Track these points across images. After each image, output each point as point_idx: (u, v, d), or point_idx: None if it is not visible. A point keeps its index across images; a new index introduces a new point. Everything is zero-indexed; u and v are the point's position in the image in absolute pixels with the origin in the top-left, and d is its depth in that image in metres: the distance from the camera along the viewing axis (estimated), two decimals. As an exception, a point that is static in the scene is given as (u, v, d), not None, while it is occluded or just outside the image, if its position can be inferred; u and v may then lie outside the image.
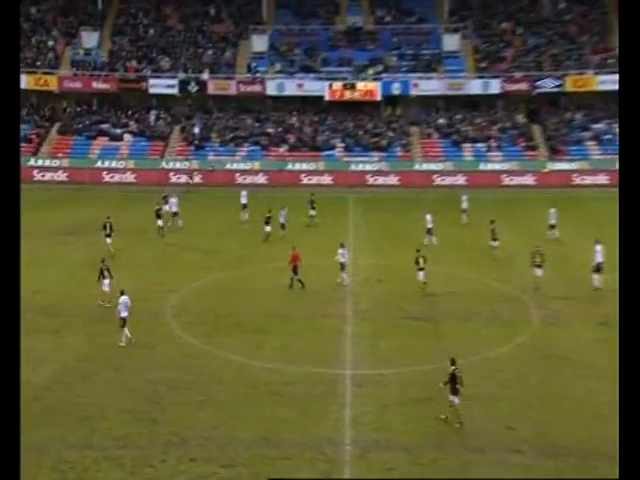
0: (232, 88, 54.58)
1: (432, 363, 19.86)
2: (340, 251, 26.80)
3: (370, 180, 50.21)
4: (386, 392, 18.20)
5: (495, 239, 30.58)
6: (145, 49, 57.71)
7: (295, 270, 26.11)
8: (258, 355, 20.37)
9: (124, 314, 20.91)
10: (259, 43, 57.46)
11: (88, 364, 19.60)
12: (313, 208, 36.80)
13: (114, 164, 51.13)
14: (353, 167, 51.15)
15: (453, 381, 16.39)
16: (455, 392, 16.44)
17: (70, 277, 27.73)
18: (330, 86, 53.86)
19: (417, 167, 51.20)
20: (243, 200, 38.24)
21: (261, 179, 50.15)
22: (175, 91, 54.74)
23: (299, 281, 26.15)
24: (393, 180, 50.17)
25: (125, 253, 31.53)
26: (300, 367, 19.52)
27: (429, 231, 32.45)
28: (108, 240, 30.56)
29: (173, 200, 36.43)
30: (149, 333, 21.99)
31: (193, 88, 54.60)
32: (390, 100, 55.24)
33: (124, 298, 21.02)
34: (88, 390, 17.99)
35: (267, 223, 33.19)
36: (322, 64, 56.93)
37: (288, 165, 51.34)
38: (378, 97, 53.86)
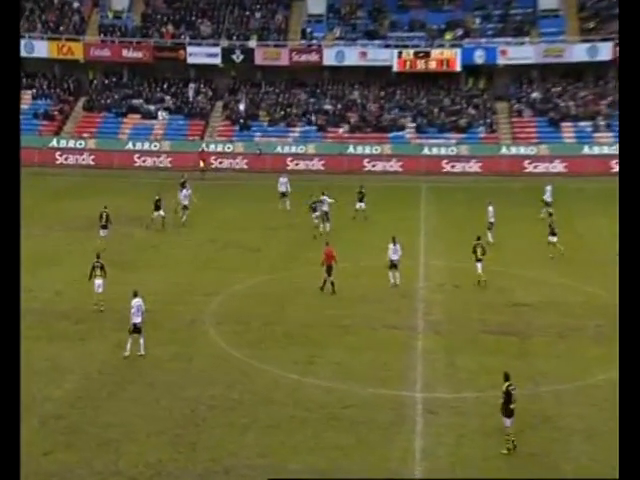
0: (283, 58, 55.07)
1: (520, 387, 19.42)
2: (391, 246, 27.09)
3: (446, 167, 49.80)
4: (464, 420, 18.03)
5: (554, 234, 30.86)
6: (183, 12, 58.87)
7: (329, 270, 26.37)
8: (312, 372, 20.47)
9: (136, 320, 20.80)
10: (315, 4, 57.79)
11: (116, 377, 20.09)
12: (361, 200, 37.00)
13: (147, 146, 52.38)
14: (426, 151, 50.87)
15: (507, 400, 16.55)
16: (509, 413, 16.54)
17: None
18: (399, 55, 53.67)
19: (504, 151, 50.50)
20: (282, 188, 38.41)
21: (316, 165, 50.42)
22: (217, 61, 55.64)
23: (331, 284, 26.37)
24: (474, 167, 49.62)
25: (158, 250, 32.28)
26: (361, 387, 19.52)
27: (490, 226, 32.49)
28: (102, 232, 31.13)
29: (186, 192, 36.17)
30: (186, 343, 22.39)
31: (238, 58, 55.35)
32: (472, 71, 54.65)
33: (137, 301, 20.93)
34: (116, 408, 18.42)
35: (314, 210, 34.25)
36: (390, 28, 56.77)
37: (349, 149, 51.43)
38: (457, 67, 53.39)
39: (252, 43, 55.90)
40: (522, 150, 50.42)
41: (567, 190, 43.83)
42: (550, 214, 31.95)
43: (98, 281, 24.27)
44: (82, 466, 16.00)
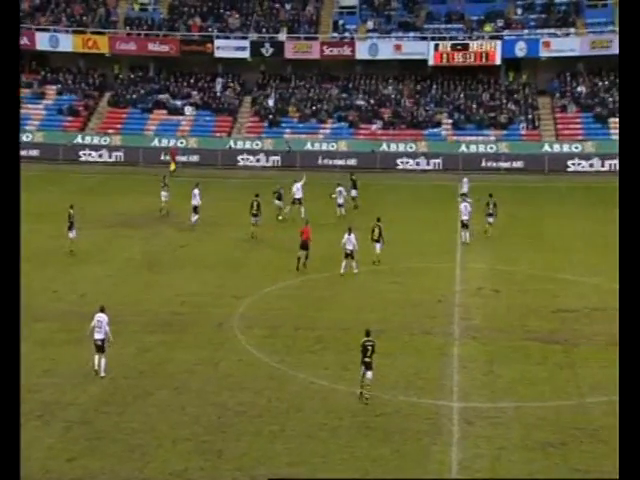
0: (314, 51, 55.15)
1: (565, 398, 19.33)
2: (346, 236, 28.28)
3: (485, 165, 49.42)
4: (504, 432, 17.88)
5: (490, 214, 33.55)
6: (211, 4, 59.22)
7: (304, 246, 28.57)
8: (345, 378, 20.45)
9: (98, 336, 20.00)
10: (348, -5, 57.78)
11: (142, 382, 20.28)
12: (355, 187, 39.14)
13: (173, 143, 52.71)
14: (463, 149, 50.59)
15: (363, 353, 18.96)
16: (366, 365, 18.89)
17: (123, 277, 28.87)
18: (436, 47, 53.43)
19: (547, 149, 49.98)
20: (298, 195, 37.41)
21: (348, 163, 50.37)
22: (246, 55, 55.87)
23: (305, 257, 28.59)
24: (515, 165, 49.20)
25: (188, 250, 32.53)
26: (395, 395, 19.49)
27: (464, 225, 33.01)
28: (70, 234, 31.01)
29: (196, 191, 35.63)
30: (213, 347, 22.52)
31: (267, 51, 55.55)
32: (513, 64, 54.22)
33: (100, 316, 20.16)
34: (142, 413, 18.60)
35: (279, 199, 36.35)
36: (426, 20, 56.52)
37: (382, 146, 51.30)
38: (497, 61, 53.02)
39: (282, 36, 56.04)
40: (567, 148, 49.89)
41: (615, 190, 43.32)
42: (490, 195, 34.33)
43: None
44: (107, 473, 16.19)
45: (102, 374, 20.21)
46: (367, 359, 18.98)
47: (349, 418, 18.44)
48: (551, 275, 28.95)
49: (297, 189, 38.08)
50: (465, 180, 40.24)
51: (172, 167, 47.31)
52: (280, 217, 36.60)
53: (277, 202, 36.92)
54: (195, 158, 51.41)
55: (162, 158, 51.14)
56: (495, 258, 31.30)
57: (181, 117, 55.00)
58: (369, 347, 19.01)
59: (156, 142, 52.96)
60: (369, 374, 18.95)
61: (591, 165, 48.61)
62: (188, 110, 55.18)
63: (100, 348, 20.15)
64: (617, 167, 47.95)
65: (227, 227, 35.91)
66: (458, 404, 19.13)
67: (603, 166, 48.40)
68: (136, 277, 28.73)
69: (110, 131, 54.24)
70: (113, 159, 52.09)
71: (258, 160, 51.28)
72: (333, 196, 36.74)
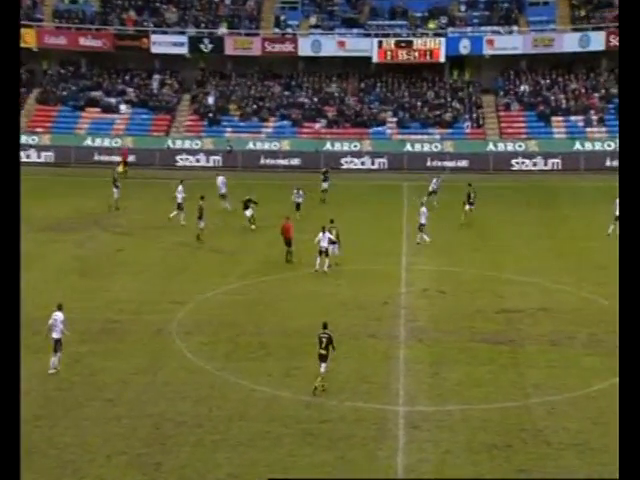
0: (256, 47, 55.10)
1: (511, 399, 19.68)
2: (320, 235, 29.03)
3: (430, 164, 50.06)
4: (450, 435, 18.12)
5: (471, 203, 35.76)
6: (147, -3, 58.60)
7: (288, 242, 30.14)
8: (288, 385, 20.48)
9: (55, 335, 20.59)
10: (290, -11, 57.89)
11: (75, 394, 19.94)
12: (325, 180, 40.60)
13: (107, 142, 52.03)
14: (408, 148, 51.14)
15: (319, 345, 19.71)
16: (319, 357, 19.72)
17: (54, 283, 28.32)
18: (379, 44, 53.92)
19: (491, 148, 50.92)
20: (222, 190, 38.21)
21: (291, 162, 50.44)
22: (184, 50, 55.52)
23: (289, 252, 30.04)
24: (460, 164, 49.95)
25: (126, 254, 32.07)
26: (341, 401, 19.57)
27: (421, 227, 33.52)
28: None
29: (180, 188, 36.41)
30: (151, 355, 22.29)
31: (207, 47, 55.29)
32: (457, 62, 55.05)
33: (57, 315, 20.71)
34: (74, 427, 18.28)
35: (246, 208, 35.41)
36: (369, 16, 56.96)
37: (326, 145, 51.49)
38: (441, 58, 53.77)
39: (222, 31, 55.84)
40: (510, 146, 50.89)
41: (558, 189, 44.40)
42: (469, 184, 36.41)
43: None
44: (38, 490, 15.86)
45: (51, 370, 20.71)
46: (322, 351, 19.63)
47: (293, 425, 18.45)
48: (496, 275, 29.48)
49: (222, 183, 38.20)
50: (434, 180, 40.53)
51: (120, 169, 46.35)
52: (253, 227, 35.15)
53: (247, 212, 35.47)
54: (131, 158, 50.70)
55: (95, 158, 50.50)
56: (440, 259, 31.70)
57: (116, 115, 54.31)
58: (323, 339, 19.66)
59: (89, 142, 52.19)
60: (323, 366, 19.62)
61: (534, 164, 49.71)
62: (123, 108, 54.50)
63: (57, 347, 20.70)
64: (560, 166, 49.38)
65: (166, 230, 35.54)
66: (404, 408, 19.31)
67: (546, 165, 49.55)
68: (69, 283, 28.23)
69: (39, 130, 53.25)
70: (42, 159, 51.20)
71: (198, 160, 50.99)
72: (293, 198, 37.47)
